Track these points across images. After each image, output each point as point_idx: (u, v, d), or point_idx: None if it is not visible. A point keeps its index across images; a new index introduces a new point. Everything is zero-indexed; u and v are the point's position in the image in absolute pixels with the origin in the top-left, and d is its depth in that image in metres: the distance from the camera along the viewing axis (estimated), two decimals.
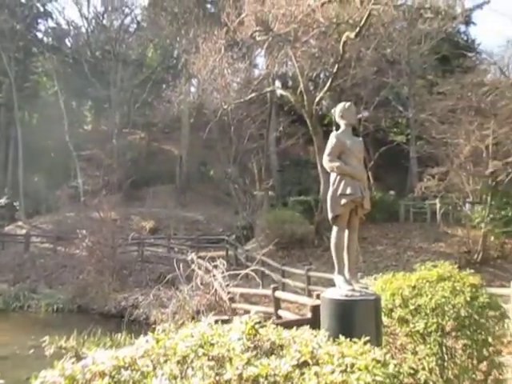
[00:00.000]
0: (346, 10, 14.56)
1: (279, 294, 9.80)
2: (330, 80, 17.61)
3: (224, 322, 3.52)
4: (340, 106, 4.25)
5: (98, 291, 16.30)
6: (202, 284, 12.10)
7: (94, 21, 35.87)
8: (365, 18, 13.90)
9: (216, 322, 3.41)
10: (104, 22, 35.64)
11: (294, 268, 14.36)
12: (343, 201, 3.94)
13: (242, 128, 26.12)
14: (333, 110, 4.27)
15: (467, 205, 17.33)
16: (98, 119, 39.20)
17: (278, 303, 9.69)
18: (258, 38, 17.50)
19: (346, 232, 4.13)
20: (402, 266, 14.04)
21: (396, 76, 24.67)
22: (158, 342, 2.67)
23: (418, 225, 19.69)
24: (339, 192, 3.96)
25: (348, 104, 4.22)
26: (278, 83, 25.98)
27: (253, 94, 20.64)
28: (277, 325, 3.10)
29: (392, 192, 23.74)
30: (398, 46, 21.33)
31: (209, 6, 30.97)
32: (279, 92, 20.90)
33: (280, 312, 9.54)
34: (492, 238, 16.35)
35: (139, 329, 11.36)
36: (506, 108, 15.91)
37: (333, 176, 4.07)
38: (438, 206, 18.96)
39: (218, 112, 21.35)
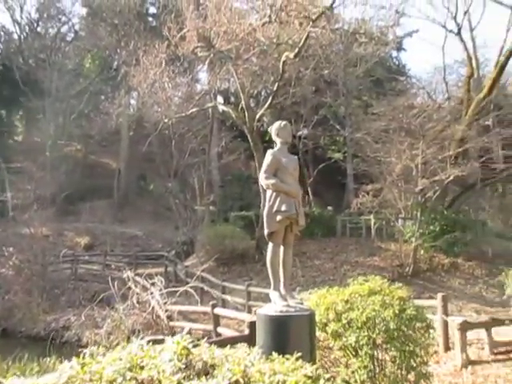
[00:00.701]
0: (286, 30, 15.03)
1: (218, 310, 9.69)
2: (270, 97, 17.99)
3: (157, 342, 3.42)
4: (276, 124, 4.34)
5: (25, 312, 15.27)
6: (138, 302, 11.71)
7: (27, 27, 34.33)
8: (303, 39, 14.41)
9: (149, 342, 3.30)
10: (38, 29, 34.21)
11: (234, 284, 14.30)
12: (278, 217, 4.00)
13: (184, 142, 25.92)
14: (269, 129, 4.35)
15: (400, 220, 18.21)
16: (29, 130, 37.21)
17: (217, 320, 9.58)
18: (199, 54, 17.57)
19: (282, 248, 4.18)
20: (339, 280, 14.44)
21: (334, 96, 25.69)
22: (83, 366, 2.53)
23: (354, 239, 20.37)
24: (275, 209, 4.02)
25: (284, 123, 4.32)
26: (220, 99, 26.11)
27: (194, 109, 20.59)
28: (210, 343, 3.05)
29: (330, 207, 24.45)
30: (336, 68, 22.23)
31: (150, 19, 30.73)
32: (221, 108, 21.01)
33: (219, 329, 9.43)
34: (422, 252, 17.28)
35: (70, 351, 10.74)
36: (433, 130, 17.02)
37: (269, 193, 4.13)
38: (373, 221, 19.78)
39: (159, 125, 21.08)
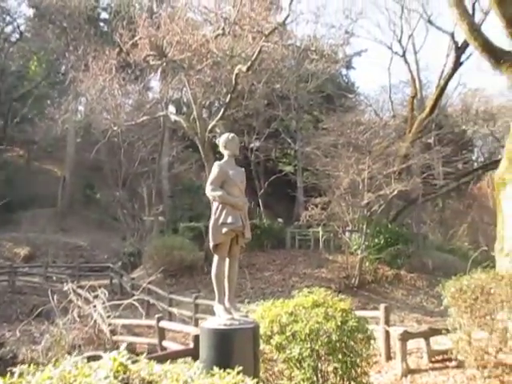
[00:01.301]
0: (239, 44, 15.19)
1: (164, 323, 9.46)
2: (222, 109, 18.04)
3: (93, 358, 3.28)
4: (224, 136, 4.36)
5: None
6: (80, 316, 11.21)
7: None
8: (256, 53, 14.61)
9: (85, 358, 3.15)
10: None
11: (182, 296, 14.05)
12: (224, 230, 3.99)
13: (133, 151, 25.38)
14: (217, 140, 4.37)
15: (347, 233, 18.68)
16: None
17: (162, 334, 9.34)
18: (151, 62, 17.35)
19: (227, 261, 4.17)
20: (288, 292, 14.55)
21: (286, 110, 26.15)
22: None
23: (303, 251, 20.66)
24: (220, 221, 4.01)
25: (231, 135, 4.34)
26: (171, 108, 25.88)
27: (145, 118, 20.26)
28: (150, 359, 2.96)
29: (280, 220, 24.71)
30: (288, 83, 22.69)
31: (102, 24, 30.04)
32: (173, 117, 20.79)
33: (165, 343, 9.19)
34: (367, 264, 17.79)
35: (4, 370, 10.09)
36: (379, 146, 17.69)
37: (215, 205, 4.12)
38: (321, 233, 20.17)
39: (108, 133, 20.52)
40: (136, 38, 17.07)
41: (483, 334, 5.89)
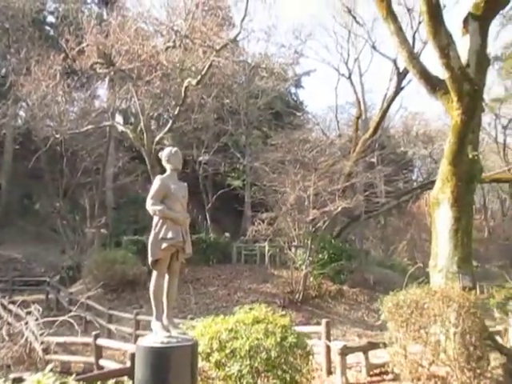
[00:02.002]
0: (190, 57, 15.17)
1: (101, 341, 9.07)
2: (171, 121, 17.87)
3: (17, 380, 3.08)
4: (167, 151, 4.31)
5: None
6: (9, 334, 10.53)
7: None
8: (206, 67, 14.65)
9: (13, 380, 2.97)
10: None
11: (123, 312, 13.57)
12: (164, 245, 3.92)
13: (76, 160, 24.47)
14: (160, 154, 4.30)
15: (292, 248, 18.91)
16: None
17: (99, 352, 8.94)
18: (98, 70, 16.92)
19: (166, 277, 4.08)
20: (232, 307, 14.45)
21: (235, 125, 26.31)
22: None
23: (249, 266, 20.64)
24: (160, 236, 3.94)
25: (175, 149, 4.30)
26: (118, 118, 25.27)
27: (90, 126, 19.66)
28: (78, 380, 2.83)
29: (227, 234, 24.62)
30: (238, 98, 22.90)
31: (47, 28, 29.00)
32: (119, 127, 20.29)
33: (102, 361, 8.81)
34: (311, 279, 18.05)
35: None
36: (324, 164, 18.17)
37: (155, 219, 4.04)
38: (267, 248, 20.28)
39: (49, 141, 19.67)
40: (83, 45, 16.63)
41: (418, 348, 6.12)
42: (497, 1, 8.55)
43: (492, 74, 33.60)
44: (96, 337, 8.97)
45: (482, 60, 8.86)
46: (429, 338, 6.02)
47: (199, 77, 14.95)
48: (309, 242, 17.33)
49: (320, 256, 18.51)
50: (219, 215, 27.70)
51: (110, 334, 12.33)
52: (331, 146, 21.27)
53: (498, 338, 7.98)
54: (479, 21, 8.58)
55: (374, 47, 24.10)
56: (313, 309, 17.13)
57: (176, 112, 17.10)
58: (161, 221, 3.99)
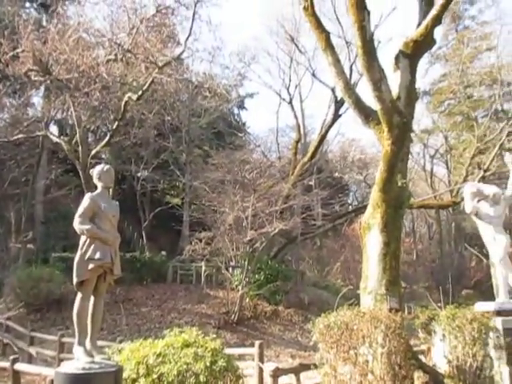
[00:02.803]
0: (131, 72, 14.91)
1: (20, 366, 8.44)
2: (109, 135, 17.36)
3: None
4: (98, 168, 4.18)
5: None
6: None
7: None
8: (148, 83, 14.47)
9: None
10: None
11: (46, 334, 12.77)
12: (91, 266, 3.76)
13: (4, 170, 22.99)
14: (91, 171, 4.16)
15: (229, 268, 18.84)
16: None
17: (17, 378, 8.30)
18: (33, 78, 16.16)
19: (92, 299, 3.90)
20: (166, 328, 14.05)
21: (176, 142, 26.05)
22: None
23: (184, 286, 20.25)
24: (87, 256, 3.78)
25: (107, 167, 4.18)
26: (53, 129, 24.18)
27: (21, 135, 18.63)
28: None
29: (164, 253, 24.06)
30: (180, 116, 22.74)
31: None
32: (53, 138, 19.39)
33: None
34: (247, 300, 18.03)
35: None
36: (264, 185, 18.44)
37: (82, 239, 3.88)
38: (204, 268, 20.06)
39: None
40: (18, 50, 15.85)
41: (347, 368, 6.25)
42: (424, 41, 9.23)
43: (421, 107, 36.14)
44: (14, 361, 8.34)
45: (411, 94, 9.49)
46: (358, 358, 6.17)
47: (140, 92, 14.70)
48: (246, 263, 17.36)
49: (256, 277, 18.59)
50: (156, 233, 27.05)
51: (30, 358, 11.53)
52: (271, 167, 21.63)
53: (421, 356, 8.35)
54: (409, 59, 9.21)
55: (314, 75, 25.05)
56: (248, 330, 17.07)
57: (114, 126, 16.66)
58: (88, 240, 3.83)
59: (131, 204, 25.68)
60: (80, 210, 3.93)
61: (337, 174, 35.16)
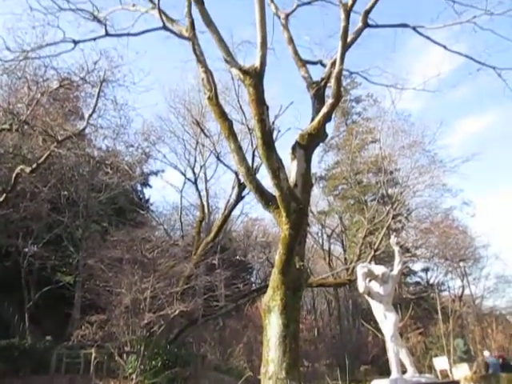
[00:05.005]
0: (27, 143, 14.16)
1: None
2: None
3: None
4: None
5: None
6: None
7: None
8: (44, 157, 13.79)
9: None
10: None
11: None
12: None
13: None
14: None
15: (124, 355, 17.38)
16: None
17: None
18: None
19: None
20: None
21: (72, 217, 24.57)
22: None
23: (70, 376, 18.06)
24: None
25: None
26: None
27: None
28: None
29: (49, 337, 21.58)
30: (78, 190, 21.73)
31: None
32: None
33: None
34: None
35: None
36: (165, 265, 17.87)
37: None
38: (94, 355, 18.24)
39: None
40: None
41: None
42: (317, 135, 10.18)
43: (318, 191, 38.84)
44: None
45: (306, 182, 10.22)
46: None
47: (35, 165, 13.90)
48: (142, 348, 16.19)
49: (153, 363, 17.31)
50: (41, 316, 24.33)
51: None
52: (174, 246, 21.16)
53: None
54: (304, 149, 10.04)
55: (218, 158, 25.81)
56: None
57: (2, 198, 15.33)
58: None
59: (14, 282, 23.18)
60: None
61: (240, 252, 35.46)
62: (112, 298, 17.31)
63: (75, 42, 9.37)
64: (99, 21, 9.18)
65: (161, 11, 9.04)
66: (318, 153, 38.40)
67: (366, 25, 11.53)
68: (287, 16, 12.55)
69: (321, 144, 14.11)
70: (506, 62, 12.60)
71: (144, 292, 15.95)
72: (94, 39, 9.51)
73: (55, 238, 24.63)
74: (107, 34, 9.22)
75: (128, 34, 9.39)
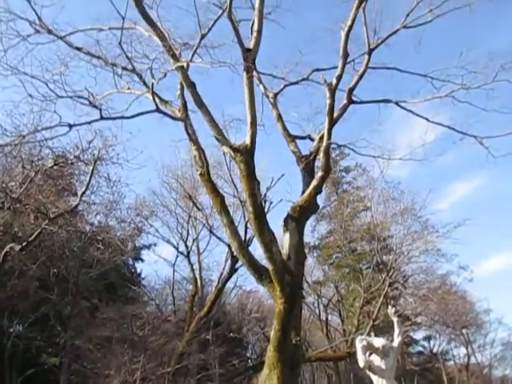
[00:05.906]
0: (18, 221, 14.06)
1: None
2: None
3: None
4: None
5: None
6: None
7: None
8: (35, 234, 13.65)
9: None
10: None
11: None
12: None
13: None
14: None
15: None
16: None
17: None
18: None
19: None
20: None
21: (61, 294, 23.79)
22: None
23: None
24: None
25: None
26: None
27: None
28: None
29: None
30: (69, 266, 21.29)
31: None
32: None
33: None
34: None
35: None
36: (156, 343, 17.12)
37: None
38: None
39: None
40: None
41: None
42: (309, 207, 10.27)
43: (312, 260, 38.42)
44: None
45: (299, 254, 10.14)
46: None
47: (25, 243, 13.71)
48: None
49: None
50: None
51: None
52: (165, 322, 20.41)
53: None
54: (296, 221, 10.07)
55: (211, 231, 25.68)
56: None
57: None
58: None
59: None
60: None
61: (236, 326, 34.24)
62: (100, 381, 16.38)
63: (70, 126, 9.65)
64: (94, 106, 9.52)
65: (154, 94, 9.44)
66: (310, 222, 38.46)
67: (350, 101, 12.09)
68: (275, 95, 13.12)
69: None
70: (485, 131, 13.10)
71: (134, 373, 15.15)
72: (89, 123, 9.82)
73: (42, 316, 23.62)
74: (102, 118, 9.53)
75: (122, 117, 9.72)
